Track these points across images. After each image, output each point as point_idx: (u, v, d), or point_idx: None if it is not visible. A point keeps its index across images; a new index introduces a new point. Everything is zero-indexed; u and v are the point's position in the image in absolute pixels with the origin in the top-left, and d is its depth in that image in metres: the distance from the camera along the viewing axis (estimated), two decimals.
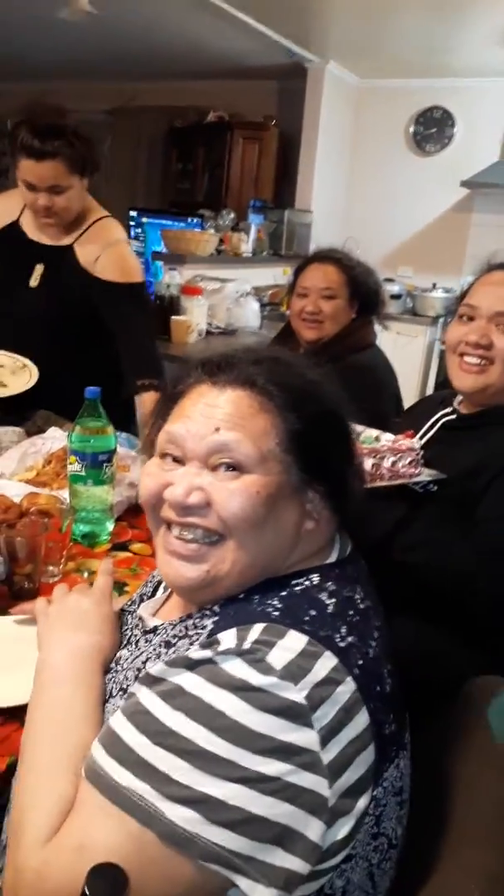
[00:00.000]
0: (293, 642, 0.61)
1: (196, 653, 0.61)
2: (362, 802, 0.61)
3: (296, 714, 0.57)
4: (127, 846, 0.56)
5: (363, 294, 2.01)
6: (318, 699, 0.58)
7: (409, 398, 2.11)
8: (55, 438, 1.79)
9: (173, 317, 2.99)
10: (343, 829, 0.60)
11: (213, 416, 0.70)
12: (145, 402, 1.90)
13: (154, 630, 0.78)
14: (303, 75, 4.78)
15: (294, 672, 0.58)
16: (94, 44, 4.74)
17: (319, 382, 0.75)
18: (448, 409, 1.43)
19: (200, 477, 0.70)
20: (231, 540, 0.69)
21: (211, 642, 0.62)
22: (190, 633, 0.71)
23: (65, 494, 1.48)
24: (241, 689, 0.58)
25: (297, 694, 0.58)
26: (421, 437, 1.45)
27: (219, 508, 0.68)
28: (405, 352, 4.43)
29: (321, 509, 0.72)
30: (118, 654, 0.81)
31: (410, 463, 1.30)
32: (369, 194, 5.22)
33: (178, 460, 0.73)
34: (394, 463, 1.27)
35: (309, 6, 3.67)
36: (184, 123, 5.69)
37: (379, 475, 1.23)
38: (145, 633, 0.79)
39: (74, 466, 1.39)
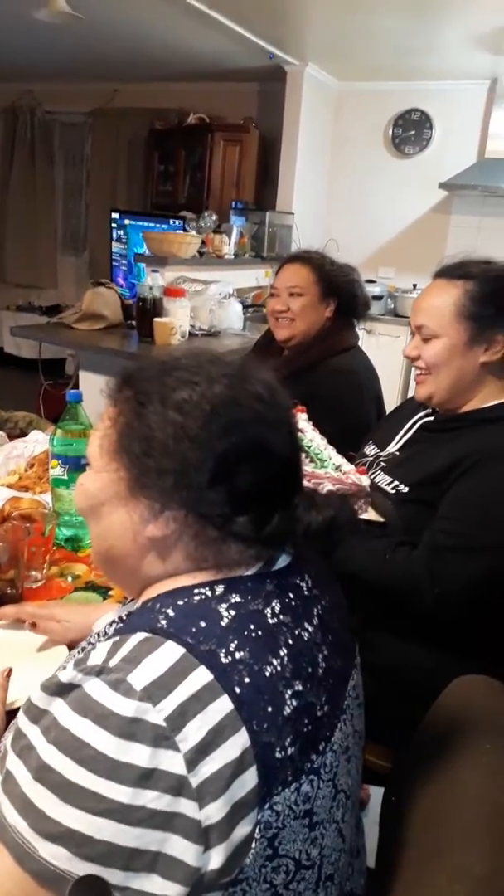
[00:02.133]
0: (164, 657, 0.60)
1: (65, 674, 0.61)
2: (243, 828, 0.59)
3: (157, 738, 0.56)
4: (7, 883, 0.57)
5: (337, 293, 2.00)
6: (180, 720, 0.57)
7: (390, 399, 2.12)
8: (37, 442, 1.79)
9: (156, 319, 2.96)
10: (221, 852, 0.58)
11: None
12: None
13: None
14: (282, 78, 4.79)
15: (153, 693, 0.57)
16: (74, 45, 4.73)
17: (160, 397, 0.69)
18: (428, 411, 1.45)
19: None
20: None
21: (86, 654, 0.63)
22: (100, 637, 0.77)
23: (47, 498, 1.48)
24: (102, 716, 0.57)
25: (156, 716, 0.57)
26: (399, 439, 1.46)
27: None
28: (386, 352, 4.46)
29: (175, 520, 0.69)
30: None
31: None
32: (349, 196, 5.25)
33: None
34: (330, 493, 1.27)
35: (287, 9, 3.69)
36: (164, 125, 5.69)
37: None
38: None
39: (56, 470, 1.39)
